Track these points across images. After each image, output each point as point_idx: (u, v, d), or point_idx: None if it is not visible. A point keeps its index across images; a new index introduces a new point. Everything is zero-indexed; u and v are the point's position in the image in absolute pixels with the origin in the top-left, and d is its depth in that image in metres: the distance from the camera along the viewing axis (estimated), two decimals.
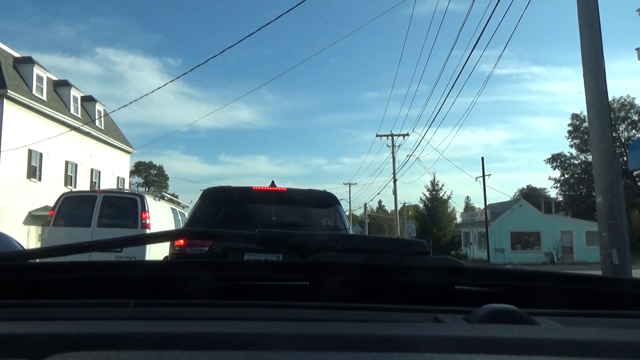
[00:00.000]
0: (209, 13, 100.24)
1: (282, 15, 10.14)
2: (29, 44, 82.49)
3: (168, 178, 74.86)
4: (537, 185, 64.47)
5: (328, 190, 6.00)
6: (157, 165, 74.57)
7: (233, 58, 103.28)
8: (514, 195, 55.90)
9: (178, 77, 23.04)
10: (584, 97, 6.74)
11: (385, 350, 0.60)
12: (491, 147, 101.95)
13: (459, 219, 53.68)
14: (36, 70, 25.61)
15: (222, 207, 5.53)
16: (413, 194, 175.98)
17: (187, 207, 14.43)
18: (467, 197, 67.58)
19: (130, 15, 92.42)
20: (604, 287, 1.12)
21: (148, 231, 10.10)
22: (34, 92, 25.09)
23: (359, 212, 68.05)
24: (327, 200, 5.66)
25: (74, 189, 24.64)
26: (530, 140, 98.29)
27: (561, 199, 53.20)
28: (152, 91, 23.25)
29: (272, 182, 5.97)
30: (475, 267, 1.56)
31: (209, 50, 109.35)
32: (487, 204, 33.98)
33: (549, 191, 58.67)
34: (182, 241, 5.02)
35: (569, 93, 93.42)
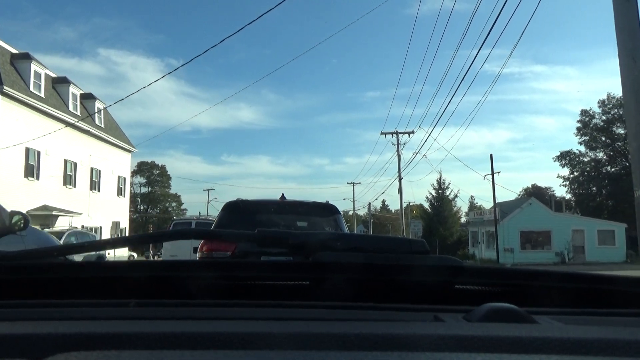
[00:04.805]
0: (210, 13, 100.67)
1: (275, 6, 10.27)
2: (32, 45, 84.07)
3: (171, 178, 75.67)
4: (542, 184, 64.57)
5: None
6: (160, 165, 75.34)
7: (234, 58, 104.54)
8: (519, 195, 55.74)
9: (176, 69, 23.11)
10: (620, 80, 6.25)
11: (385, 349, 0.61)
12: (494, 147, 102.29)
13: (463, 219, 53.61)
14: (34, 67, 25.55)
15: (240, 216, 6.51)
16: (418, 193, 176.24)
17: None
18: (472, 197, 67.70)
19: (131, 15, 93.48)
20: (604, 285, 1.12)
21: None
22: (31, 88, 25.05)
23: (362, 212, 68.24)
24: (329, 210, 6.76)
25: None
26: (533, 139, 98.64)
27: (568, 197, 52.83)
28: (149, 84, 23.39)
29: (282, 194, 7.04)
30: (475, 266, 1.57)
31: (210, 51, 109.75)
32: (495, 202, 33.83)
33: (554, 190, 58.52)
34: (208, 246, 5.95)
35: (571, 92, 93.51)
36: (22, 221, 4.94)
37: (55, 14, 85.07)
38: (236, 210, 6.60)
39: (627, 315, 0.92)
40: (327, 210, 6.76)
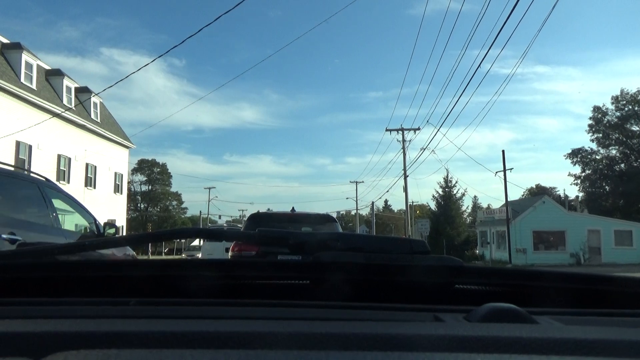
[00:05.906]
0: (212, 14, 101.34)
1: None
2: (35, 44, 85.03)
3: (171, 176, 76.43)
4: (545, 184, 65.08)
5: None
6: (161, 163, 76.10)
7: (236, 58, 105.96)
8: (523, 195, 55.77)
9: (167, 52, 22.85)
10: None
11: (385, 349, 0.63)
12: (496, 147, 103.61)
13: (467, 220, 53.70)
14: (25, 57, 25.32)
15: (260, 224, 8.21)
16: (422, 193, 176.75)
17: None
18: (475, 197, 68.24)
19: (134, 15, 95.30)
20: (605, 285, 1.14)
21: None
22: (22, 80, 24.86)
23: (365, 212, 68.51)
24: (329, 220, 9.12)
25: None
26: (535, 140, 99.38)
27: (574, 195, 52.44)
28: (138, 69, 23.48)
29: (293, 208, 9.35)
30: (476, 266, 1.60)
31: (213, 51, 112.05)
32: (499, 202, 33.54)
33: (559, 190, 58.57)
34: (239, 247, 7.71)
35: (573, 93, 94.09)
36: (114, 230, 6.54)
37: (59, 13, 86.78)
38: (257, 220, 8.73)
39: (627, 316, 0.94)
40: (327, 219, 9.16)
